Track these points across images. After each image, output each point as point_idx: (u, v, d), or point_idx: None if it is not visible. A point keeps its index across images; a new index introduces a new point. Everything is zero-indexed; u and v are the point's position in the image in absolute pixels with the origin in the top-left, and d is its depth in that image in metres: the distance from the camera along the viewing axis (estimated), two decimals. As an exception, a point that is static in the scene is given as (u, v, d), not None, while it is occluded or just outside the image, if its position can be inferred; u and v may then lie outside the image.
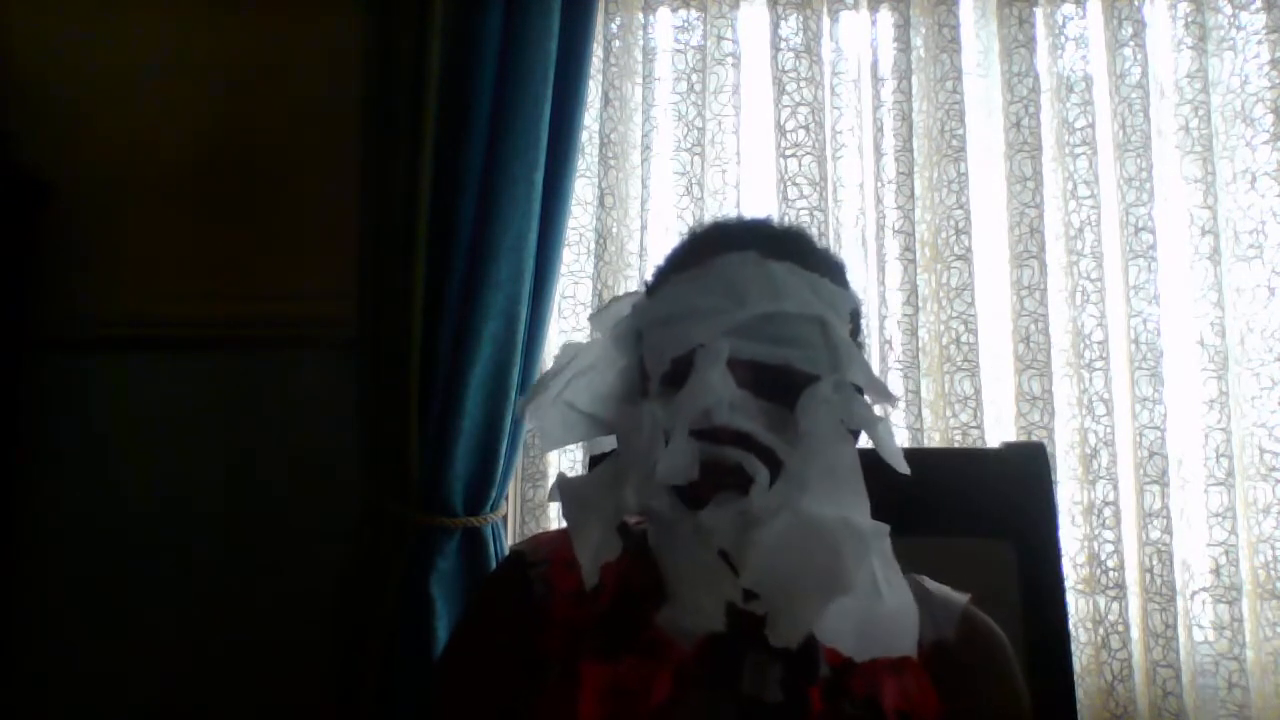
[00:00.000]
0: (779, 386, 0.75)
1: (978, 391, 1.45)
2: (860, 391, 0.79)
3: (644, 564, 0.79)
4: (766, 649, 0.70)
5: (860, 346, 0.84)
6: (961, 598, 0.84)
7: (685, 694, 0.75)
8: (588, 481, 0.79)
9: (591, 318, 0.85)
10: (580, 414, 0.83)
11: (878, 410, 0.80)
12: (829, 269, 0.83)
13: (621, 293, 0.86)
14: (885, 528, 0.74)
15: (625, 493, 0.73)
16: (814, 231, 1.48)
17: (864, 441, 0.79)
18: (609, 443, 0.86)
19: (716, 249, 0.80)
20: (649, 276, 0.89)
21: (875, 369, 1.47)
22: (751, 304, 0.75)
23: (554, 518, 1.53)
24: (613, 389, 0.84)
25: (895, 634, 0.74)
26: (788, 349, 0.75)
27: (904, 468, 0.78)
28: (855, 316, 0.82)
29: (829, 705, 0.74)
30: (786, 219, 1.49)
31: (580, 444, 1.50)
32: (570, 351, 0.83)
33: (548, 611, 0.82)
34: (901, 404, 1.46)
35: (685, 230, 0.93)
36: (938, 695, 0.77)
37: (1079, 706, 1.12)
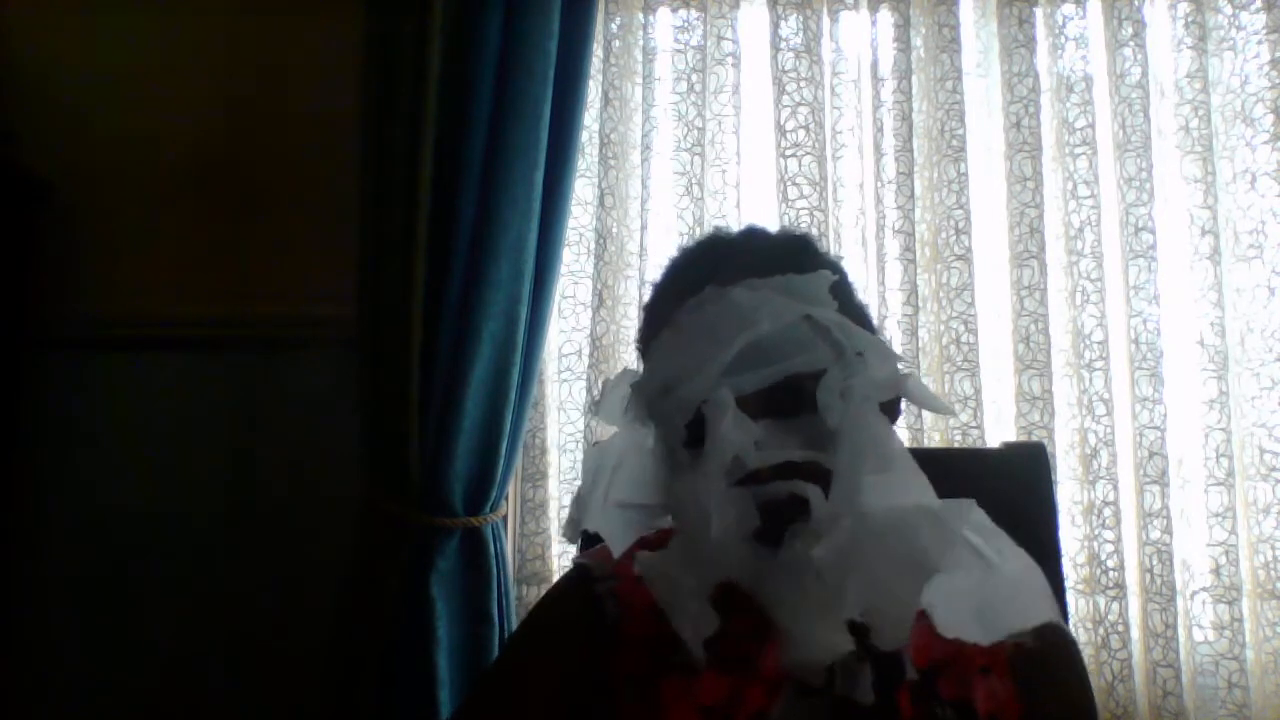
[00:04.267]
0: (796, 398, 0.74)
1: (978, 391, 1.45)
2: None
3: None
4: (854, 652, 0.68)
5: (860, 309, 0.83)
6: None
7: (775, 703, 0.74)
8: (666, 560, 0.77)
9: (596, 409, 0.84)
10: (633, 508, 0.81)
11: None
12: (791, 255, 0.82)
13: (615, 375, 0.86)
14: (969, 502, 0.71)
15: (701, 565, 0.72)
16: (814, 232, 1.48)
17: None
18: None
19: (678, 294, 0.79)
20: (644, 311, 0.89)
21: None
22: (729, 339, 0.73)
23: (554, 518, 1.53)
24: (650, 471, 0.81)
25: (1025, 603, 0.71)
26: (785, 362, 0.74)
27: (949, 409, 0.76)
28: (838, 287, 0.78)
29: (919, 708, 0.73)
30: (785, 219, 1.49)
31: (578, 445, 1.51)
32: (597, 454, 0.82)
33: (619, 628, 0.81)
34: (901, 404, 1.45)
35: (678, 251, 0.92)
36: (1018, 701, 0.77)
37: (1079, 706, 1.12)
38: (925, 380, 1.48)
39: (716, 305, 0.76)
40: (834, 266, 0.85)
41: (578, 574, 0.89)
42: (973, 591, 0.70)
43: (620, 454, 0.82)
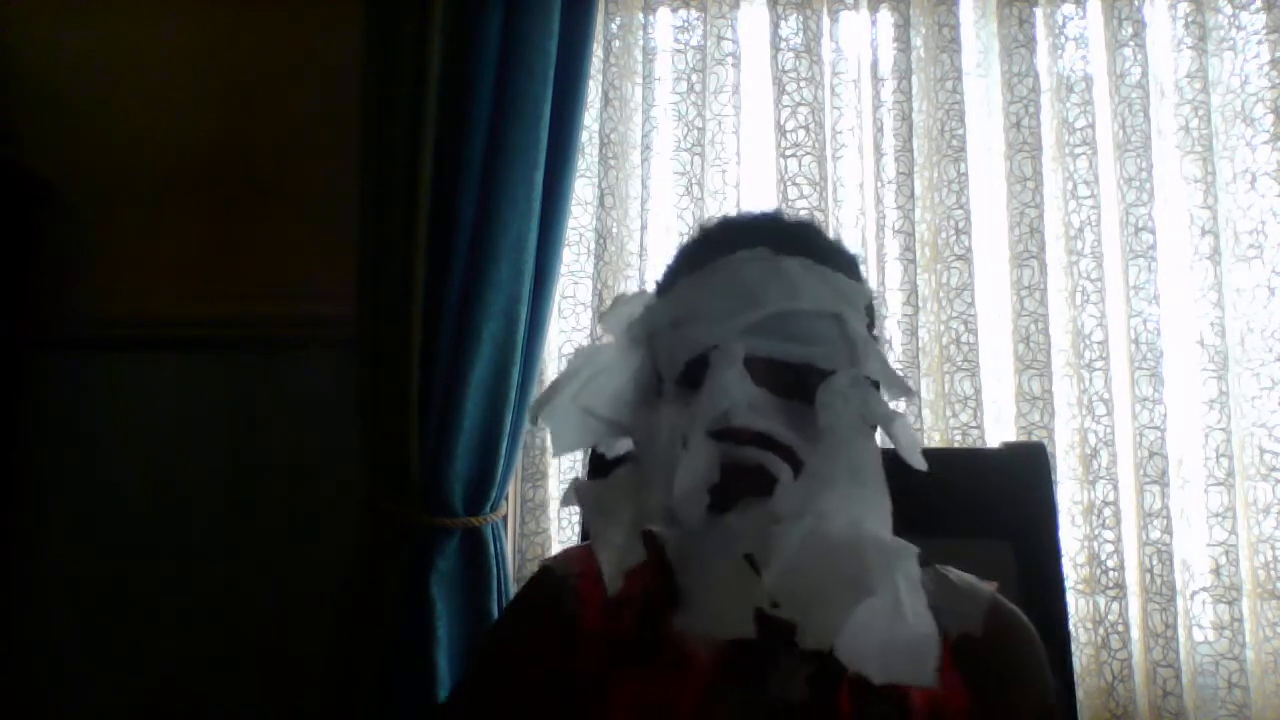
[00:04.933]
0: (798, 384, 0.74)
1: (978, 391, 1.45)
2: (877, 386, 0.78)
3: (670, 575, 0.77)
4: (792, 652, 0.69)
5: (876, 340, 0.83)
6: (988, 588, 0.83)
7: (714, 702, 0.74)
8: (607, 486, 0.78)
9: (602, 318, 0.84)
10: (595, 418, 0.82)
11: (896, 406, 0.79)
12: (842, 263, 0.82)
13: (628, 291, 0.85)
14: (913, 549, 0.73)
15: (647, 499, 0.72)
16: (814, 231, 1.48)
17: (882, 440, 0.79)
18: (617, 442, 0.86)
19: (727, 247, 0.79)
20: (659, 275, 0.88)
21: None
22: (766, 303, 0.74)
23: (554, 518, 1.53)
24: (627, 391, 0.82)
25: (917, 661, 0.71)
26: (806, 346, 0.74)
27: (921, 464, 0.77)
28: (870, 310, 0.80)
29: (857, 706, 0.73)
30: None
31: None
32: (584, 355, 0.82)
33: (579, 626, 0.82)
34: (901, 404, 1.46)
35: (693, 228, 0.91)
36: (966, 690, 0.77)
37: (1079, 706, 1.13)
38: (925, 380, 1.48)
39: (765, 266, 0.76)
40: (846, 254, 0.86)
41: (541, 576, 0.89)
42: (880, 634, 0.70)
43: (605, 365, 0.82)
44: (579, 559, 0.86)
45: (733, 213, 0.96)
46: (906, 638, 0.71)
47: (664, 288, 0.85)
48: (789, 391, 0.74)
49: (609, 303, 0.84)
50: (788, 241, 0.79)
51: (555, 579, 0.87)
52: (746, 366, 0.72)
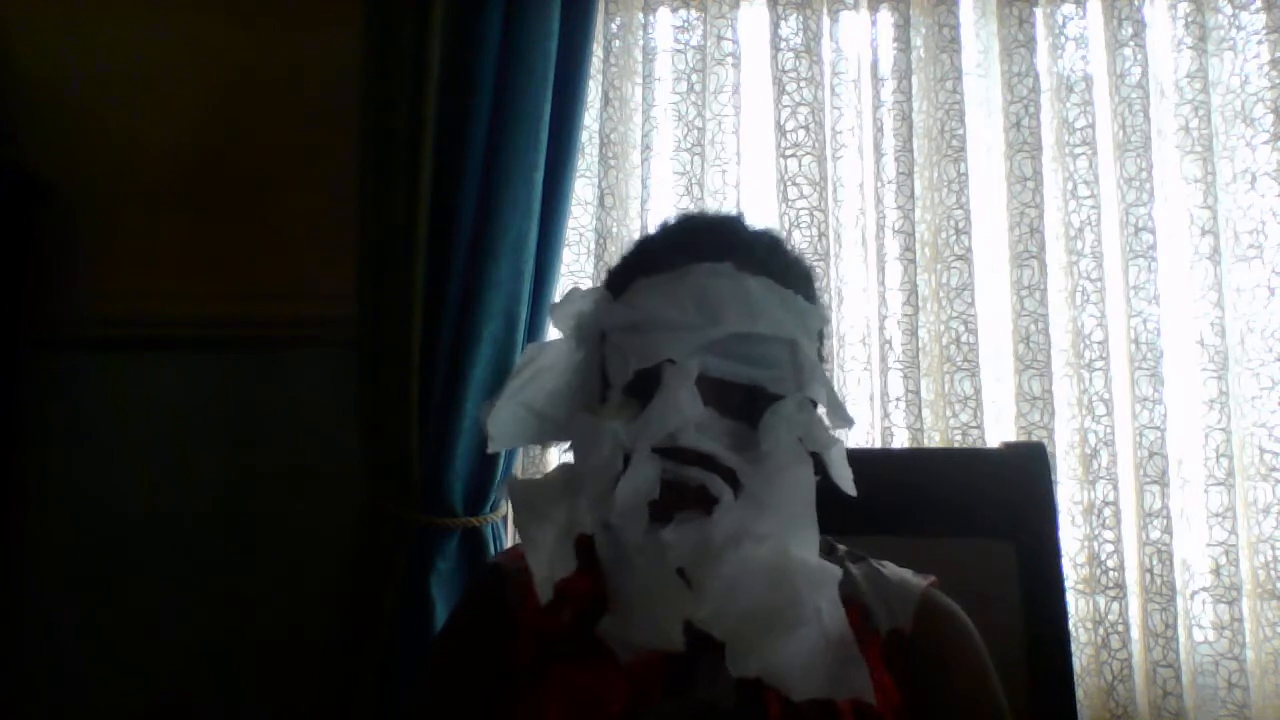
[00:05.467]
0: (745, 405, 0.75)
1: (978, 391, 1.45)
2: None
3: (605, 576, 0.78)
4: (719, 659, 0.70)
5: (823, 360, 0.84)
6: (921, 582, 0.83)
7: (643, 701, 0.75)
8: (541, 489, 0.78)
9: (551, 311, 0.83)
10: (534, 414, 0.81)
11: (836, 433, 0.80)
12: (799, 280, 0.82)
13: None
14: (837, 572, 0.74)
15: (581, 507, 0.73)
16: (814, 232, 1.48)
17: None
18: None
19: (688, 250, 0.79)
20: (612, 268, 0.87)
21: (875, 369, 1.48)
22: (726, 322, 0.74)
23: (554, 518, 1.53)
24: (569, 389, 0.82)
25: (836, 678, 0.72)
26: (758, 370, 0.75)
27: (851, 490, 0.78)
28: (821, 335, 0.81)
29: (784, 707, 0.73)
30: (785, 219, 1.49)
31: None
32: (533, 351, 0.82)
33: (519, 619, 0.82)
34: (902, 404, 1.46)
35: (654, 226, 0.90)
36: (896, 686, 0.77)
37: (1079, 706, 1.13)
38: (925, 380, 1.48)
39: (729, 283, 0.76)
40: (804, 270, 0.86)
41: (487, 571, 0.90)
42: (803, 652, 0.71)
43: (551, 362, 0.82)
44: (524, 555, 0.87)
45: (694, 214, 0.96)
46: (827, 657, 0.72)
47: (618, 284, 0.84)
48: (736, 412, 0.75)
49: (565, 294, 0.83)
50: (750, 253, 0.80)
51: (501, 574, 0.87)
52: (697, 384, 0.73)
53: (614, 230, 1.54)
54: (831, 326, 0.90)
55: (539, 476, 0.78)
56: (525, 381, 0.81)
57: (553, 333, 1.49)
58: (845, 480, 0.78)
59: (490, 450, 0.81)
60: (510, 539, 1.48)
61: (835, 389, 0.81)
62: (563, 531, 0.74)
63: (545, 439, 0.84)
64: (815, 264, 1.47)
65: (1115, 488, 1.42)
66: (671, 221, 0.89)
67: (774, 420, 0.74)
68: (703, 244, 0.80)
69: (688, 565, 0.70)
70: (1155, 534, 1.40)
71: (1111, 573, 1.40)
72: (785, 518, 0.72)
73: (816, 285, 0.88)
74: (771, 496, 0.72)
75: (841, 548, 0.87)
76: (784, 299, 0.77)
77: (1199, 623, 1.42)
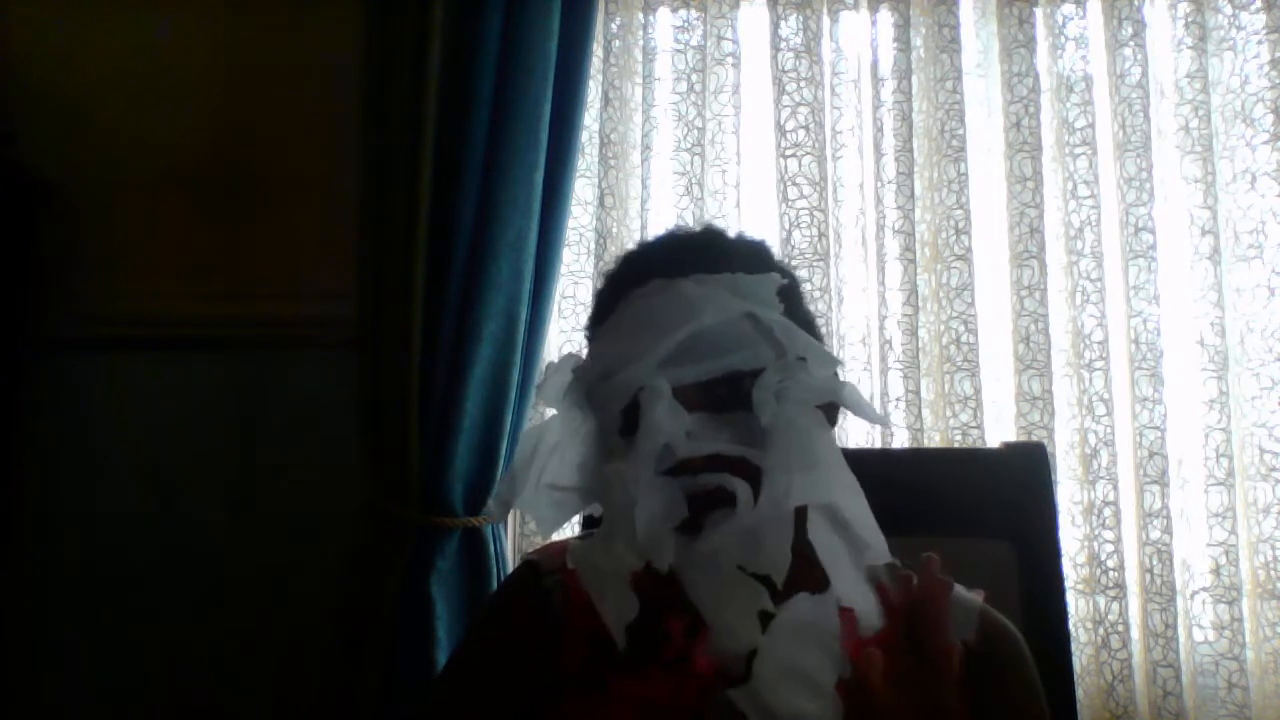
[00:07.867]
0: (733, 394, 0.75)
1: (978, 391, 1.45)
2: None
3: (658, 576, 0.77)
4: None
5: (808, 317, 0.84)
6: (975, 598, 0.83)
7: (712, 704, 0.74)
8: (593, 547, 0.79)
9: (538, 390, 0.85)
10: (564, 491, 0.83)
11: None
12: (741, 259, 0.82)
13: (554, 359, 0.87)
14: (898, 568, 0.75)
15: (621, 552, 0.73)
16: (814, 232, 1.48)
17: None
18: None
19: (630, 283, 0.80)
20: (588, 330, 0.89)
21: (875, 369, 1.48)
22: (672, 330, 0.75)
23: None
24: (584, 456, 0.83)
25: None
26: (726, 357, 0.75)
27: (880, 419, 0.79)
28: (787, 292, 0.80)
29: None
30: (785, 219, 1.49)
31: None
32: (533, 435, 0.83)
33: (565, 622, 0.82)
34: (901, 404, 1.46)
35: (635, 245, 0.93)
36: (962, 699, 0.76)
37: (1079, 706, 1.13)
38: (925, 380, 1.48)
39: (662, 296, 0.77)
40: (787, 273, 0.86)
41: (525, 570, 0.89)
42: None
43: (557, 438, 0.82)
44: (563, 554, 0.86)
45: (632, 246, 0.97)
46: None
47: (590, 338, 0.87)
48: (728, 404, 0.75)
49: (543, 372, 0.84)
50: (686, 259, 0.80)
51: (539, 574, 0.87)
52: (678, 396, 0.74)
53: (614, 230, 1.54)
54: (798, 284, 0.89)
55: (591, 539, 0.79)
56: (543, 465, 0.82)
57: (552, 335, 1.50)
58: (869, 411, 0.80)
59: (543, 537, 0.83)
60: (510, 539, 1.49)
61: (815, 340, 0.80)
62: (619, 580, 0.75)
63: (584, 508, 0.85)
64: (815, 264, 1.48)
65: (1115, 488, 1.42)
66: (612, 265, 0.90)
67: (761, 393, 0.74)
68: (641, 270, 0.82)
69: (741, 559, 0.70)
70: (1155, 534, 1.40)
71: (1111, 573, 1.40)
72: (814, 480, 0.73)
73: (816, 286, 0.88)
74: (790, 460, 0.72)
75: (896, 561, 0.87)
76: (727, 283, 0.77)
77: (1199, 623, 1.42)
